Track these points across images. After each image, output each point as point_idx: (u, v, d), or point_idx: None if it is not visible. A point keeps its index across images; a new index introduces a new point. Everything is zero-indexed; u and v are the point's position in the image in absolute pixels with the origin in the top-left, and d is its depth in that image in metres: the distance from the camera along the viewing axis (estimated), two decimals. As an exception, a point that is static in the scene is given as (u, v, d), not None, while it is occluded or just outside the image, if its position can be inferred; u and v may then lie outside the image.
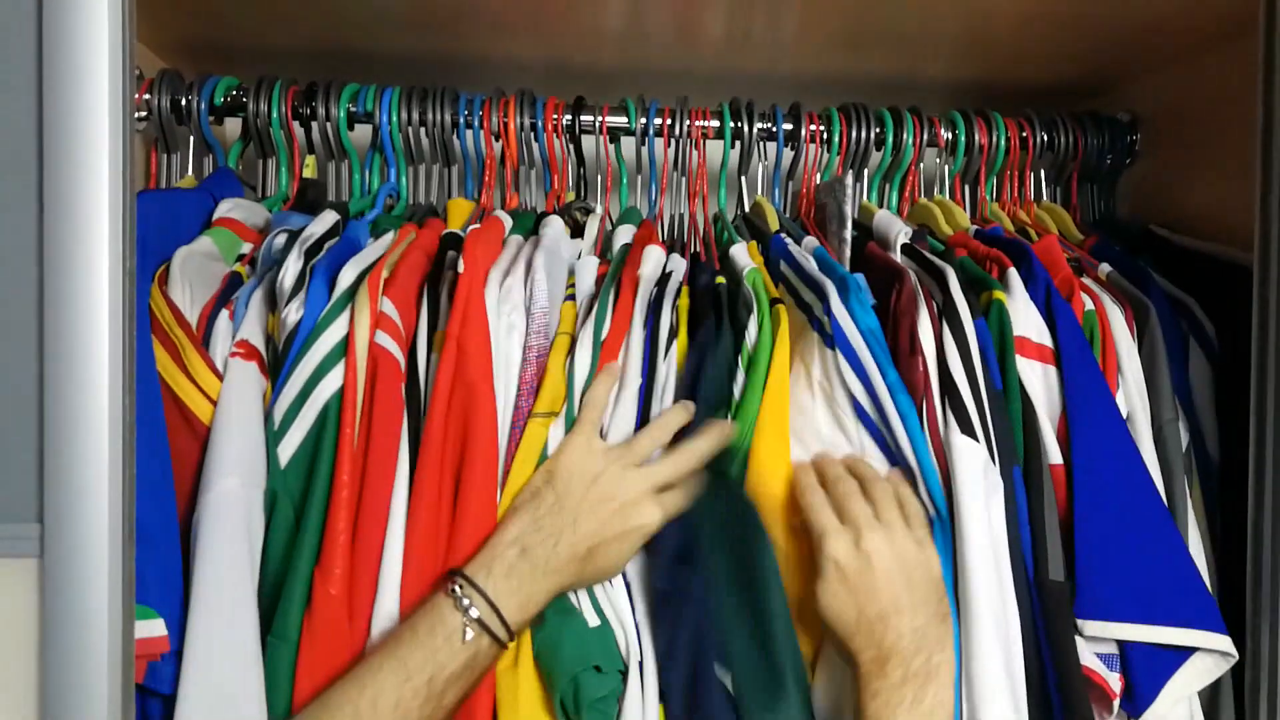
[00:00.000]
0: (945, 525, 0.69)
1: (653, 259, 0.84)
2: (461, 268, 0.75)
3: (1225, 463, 0.81)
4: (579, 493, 0.69)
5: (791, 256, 0.84)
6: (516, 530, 0.68)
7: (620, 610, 0.71)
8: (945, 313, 0.74)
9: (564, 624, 0.70)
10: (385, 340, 0.72)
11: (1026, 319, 0.77)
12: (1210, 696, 0.75)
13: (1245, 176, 0.69)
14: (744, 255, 0.84)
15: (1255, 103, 0.67)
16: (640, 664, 0.69)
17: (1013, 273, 0.80)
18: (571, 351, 0.75)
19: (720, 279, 0.81)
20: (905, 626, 0.65)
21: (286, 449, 0.71)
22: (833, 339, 0.73)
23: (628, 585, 0.72)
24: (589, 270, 0.83)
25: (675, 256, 0.87)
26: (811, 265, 0.80)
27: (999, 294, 0.77)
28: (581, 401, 0.73)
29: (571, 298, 0.81)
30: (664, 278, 0.83)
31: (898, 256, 0.85)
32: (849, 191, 0.90)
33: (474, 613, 0.64)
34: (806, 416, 0.75)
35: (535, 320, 0.76)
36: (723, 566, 0.69)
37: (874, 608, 0.65)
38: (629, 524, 0.69)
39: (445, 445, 0.71)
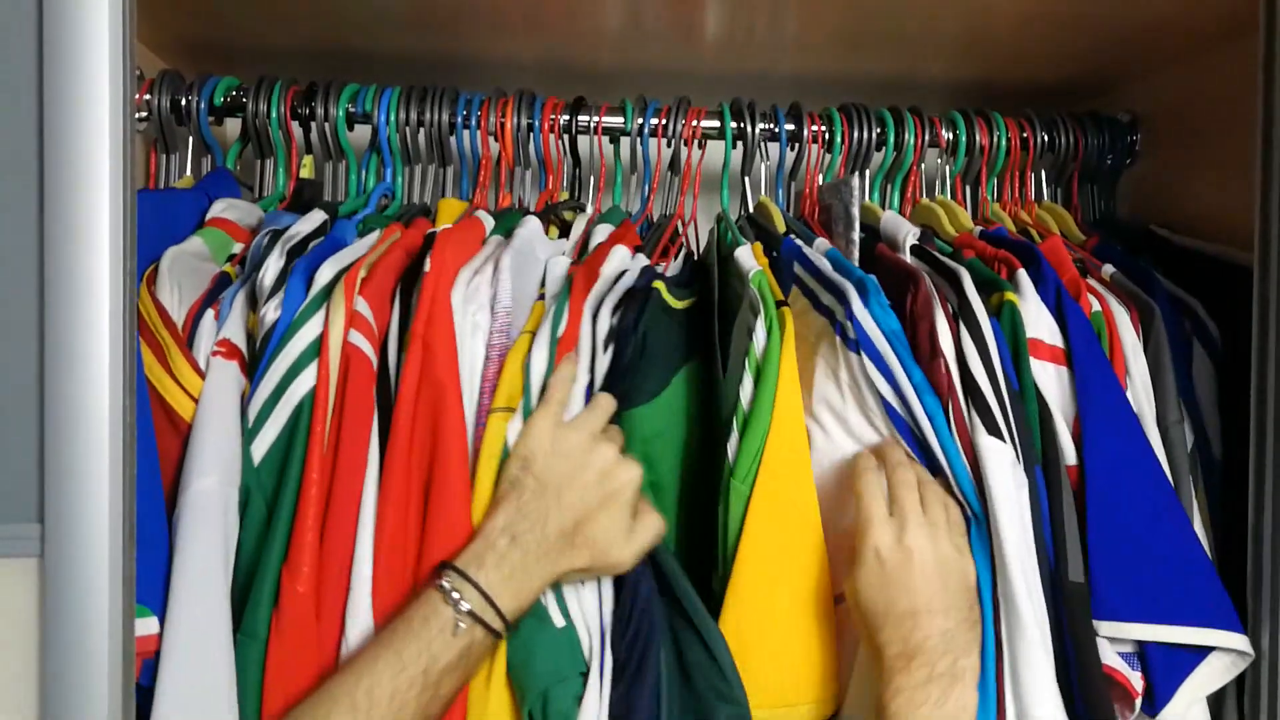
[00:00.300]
0: (981, 525, 0.69)
1: (616, 259, 0.84)
2: (428, 267, 0.75)
3: (1228, 463, 0.80)
4: (556, 470, 0.69)
5: (807, 259, 0.84)
6: (504, 519, 0.68)
7: (588, 612, 0.71)
8: (961, 314, 0.75)
9: (537, 632, 0.70)
10: (358, 339, 0.72)
11: (1039, 320, 0.77)
12: (1215, 696, 0.75)
13: (1245, 176, 0.69)
14: (749, 257, 0.84)
15: (1255, 103, 0.67)
16: (600, 668, 0.69)
17: (1023, 274, 0.80)
18: (531, 347, 0.76)
19: (657, 283, 0.82)
20: (935, 627, 0.65)
21: (260, 447, 0.71)
22: (857, 342, 0.73)
23: (599, 586, 0.72)
24: (559, 270, 0.83)
25: (640, 257, 0.87)
26: (828, 267, 0.81)
27: (1010, 295, 0.77)
28: (545, 386, 0.73)
29: (543, 297, 0.81)
30: (619, 278, 0.83)
31: (907, 258, 0.85)
32: (856, 193, 0.90)
33: (464, 605, 0.64)
34: (839, 417, 0.76)
35: (498, 319, 0.76)
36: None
37: (906, 603, 0.66)
38: (609, 488, 0.69)
39: (413, 444, 0.71)
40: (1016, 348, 0.75)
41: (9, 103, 0.55)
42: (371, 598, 0.68)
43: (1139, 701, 0.70)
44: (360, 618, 0.67)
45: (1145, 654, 0.70)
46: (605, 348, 0.78)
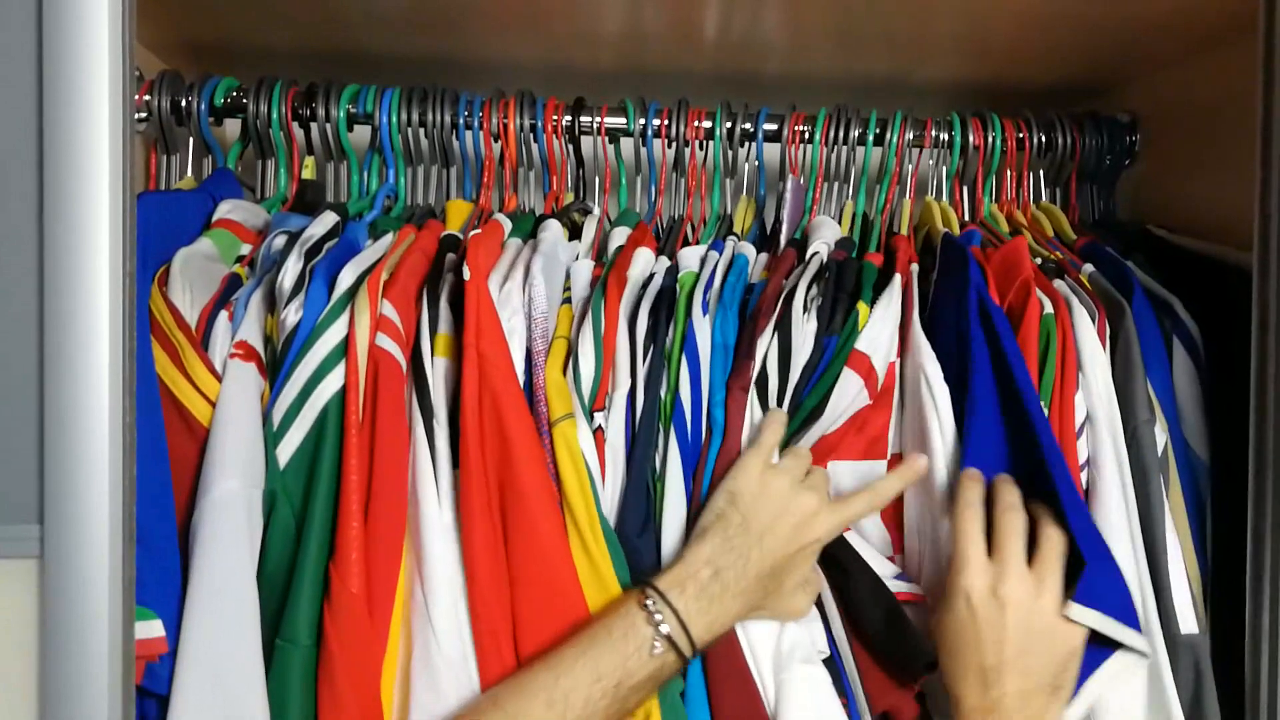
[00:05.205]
0: None
1: (641, 261, 0.85)
2: (467, 274, 0.75)
3: (1214, 463, 0.80)
4: (761, 511, 0.70)
5: None
6: (709, 550, 0.69)
7: None
8: (779, 325, 0.79)
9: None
10: (386, 342, 0.72)
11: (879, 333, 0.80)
12: (1194, 689, 0.74)
13: (1245, 176, 0.69)
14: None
15: (1255, 103, 0.67)
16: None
17: (896, 279, 0.83)
18: (574, 354, 0.76)
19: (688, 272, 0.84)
20: (1012, 687, 0.65)
21: (285, 450, 0.71)
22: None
23: None
24: (584, 273, 0.83)
25: (663, 259, 0.88)
26: None
27: (860, 305, 0.80)
28: (759, 433, 0.74)
29: (568, 301, 0.81)
30: (649, 280, 0.84)
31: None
32: (789, 194, 0.92)
33: (664, 629, 0.65)
34: None
35: (537, 325, 0.76)
36: None
37: (992, 659, 0.65)
38: (805, 538, 0.70)
39: (485, 453, 0.71)
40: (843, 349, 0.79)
41: (9, 103, 0.55)
42: (469, 602, 0.68)
43: None
44: (455, 621, 0.68)
45: None
46: (645, 350, 0.78)
